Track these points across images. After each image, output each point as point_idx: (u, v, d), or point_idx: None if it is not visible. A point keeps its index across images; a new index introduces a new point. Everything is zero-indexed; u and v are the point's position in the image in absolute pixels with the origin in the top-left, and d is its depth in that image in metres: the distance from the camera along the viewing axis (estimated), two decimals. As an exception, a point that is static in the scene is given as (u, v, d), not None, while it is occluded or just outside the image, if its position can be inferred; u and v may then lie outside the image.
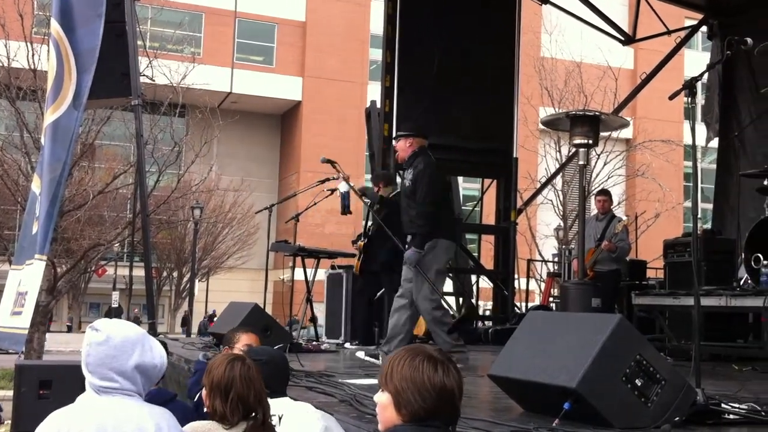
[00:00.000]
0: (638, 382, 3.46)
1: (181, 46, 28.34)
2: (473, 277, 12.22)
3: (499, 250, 11.41)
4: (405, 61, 10.53)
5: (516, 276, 11.75)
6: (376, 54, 29.58)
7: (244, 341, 4.32)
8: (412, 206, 6.62)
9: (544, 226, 26.36)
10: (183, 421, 2.77)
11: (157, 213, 19.49)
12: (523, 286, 14.39)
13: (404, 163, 6.82)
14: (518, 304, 12.76)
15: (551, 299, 12.54)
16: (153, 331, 6.12)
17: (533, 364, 3.80)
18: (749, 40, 4.39)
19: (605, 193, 9.83)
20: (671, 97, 4.46)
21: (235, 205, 33.20)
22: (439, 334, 6.52)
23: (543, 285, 15.60)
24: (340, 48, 35.98)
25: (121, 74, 6.63)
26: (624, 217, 9.90)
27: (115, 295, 32.71)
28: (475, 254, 12.65)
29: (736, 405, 3.91)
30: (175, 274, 34.76)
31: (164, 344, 3.30)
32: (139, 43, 7.17)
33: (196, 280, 30.45)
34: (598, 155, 23.40)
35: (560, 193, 24.31)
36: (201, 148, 17.36)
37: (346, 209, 8.09)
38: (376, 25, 22.25)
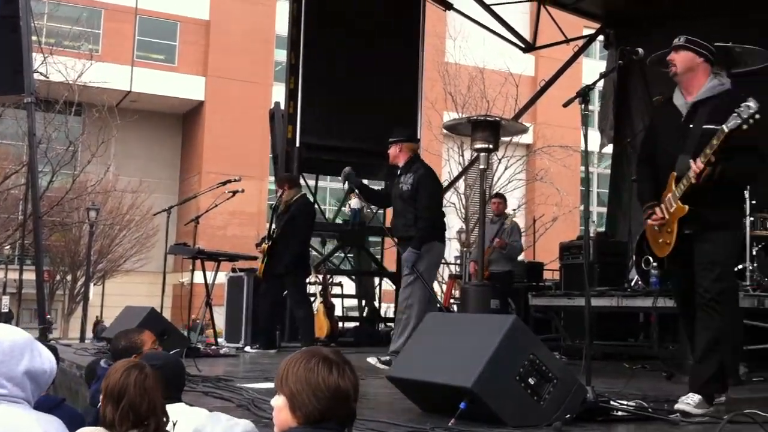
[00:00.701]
0: (531, 381, 3.56)
1: (78, 42, 27.57)
2: (376, 280, 12.28)
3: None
4: (309, 62, 10.51)
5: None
6: (281, 55, 29.38)
7: (148, 343, 4.15)
8: (409, 210, 6.65)
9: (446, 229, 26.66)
10: (71, 426, 2.69)
11: (50, 215, 18.90)
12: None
13: (400, 168, 6.85)
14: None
15: (452, 301, 12.72)
16: (44, 336, 5.92)
17: (431, 365, 3.86)
18: (640, 50, 4.56)
19: (500, 196, 10.36)
20: (565, 105, 4.61)
21: (133, 206, 32.31)
22: (404, 336, 6.38)
23: (444, 287, 15.81)
24: (245, 48, 35.53)
25: (14, 71, 6.41)
26: (513, 218, 10.18)
27: (5, 300, 31.29)
28: (378, 257, 12.71)
29: (625, 402, 4.06)
30: (69, 277, 33.61)
31: (54, 350, 3.20)
32: (34, 38, 6.95)
33: (91, 284, 29.53)
34: (500, 160, 23.87)
35: (463, 196, 24.67)
36: (98, 148, 16.98)
37: (355, 225, 8.02)
38: (282, 25, 22.09)
